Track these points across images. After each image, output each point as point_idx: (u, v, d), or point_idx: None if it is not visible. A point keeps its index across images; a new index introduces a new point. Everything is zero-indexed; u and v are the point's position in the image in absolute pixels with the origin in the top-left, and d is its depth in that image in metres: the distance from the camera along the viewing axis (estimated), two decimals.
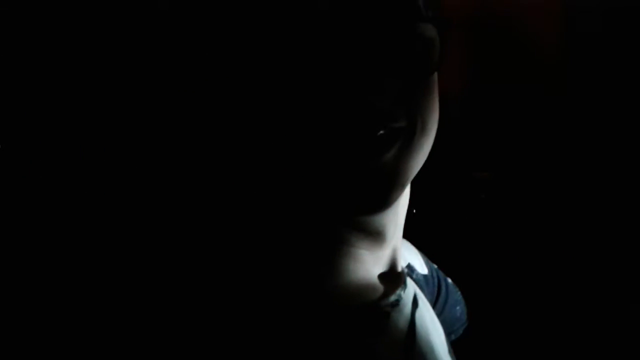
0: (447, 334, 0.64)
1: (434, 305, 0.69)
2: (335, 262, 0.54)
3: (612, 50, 1.38)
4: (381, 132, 0.48)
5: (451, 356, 0.61)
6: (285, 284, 0.51)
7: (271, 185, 0.54)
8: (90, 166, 0.76)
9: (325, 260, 0.54)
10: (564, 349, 1.30)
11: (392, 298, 0.54)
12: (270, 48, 0.48)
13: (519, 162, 1.47)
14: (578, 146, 1.42)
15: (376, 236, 0.55)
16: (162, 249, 0.66)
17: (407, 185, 0.54)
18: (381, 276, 0.57)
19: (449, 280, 0.79)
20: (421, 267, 0.73)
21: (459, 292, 0.80)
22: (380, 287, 0.55)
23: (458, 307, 0.78)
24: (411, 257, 0.72)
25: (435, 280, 0.75)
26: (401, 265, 0.62)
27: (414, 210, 0.65)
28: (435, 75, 0.53)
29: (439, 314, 0.68)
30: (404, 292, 0.56)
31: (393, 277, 0.58)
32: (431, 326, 0.58)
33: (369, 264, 0.56)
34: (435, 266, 0.77)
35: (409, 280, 0.59)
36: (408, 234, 0.66)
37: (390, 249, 0.59)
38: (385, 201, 0.50)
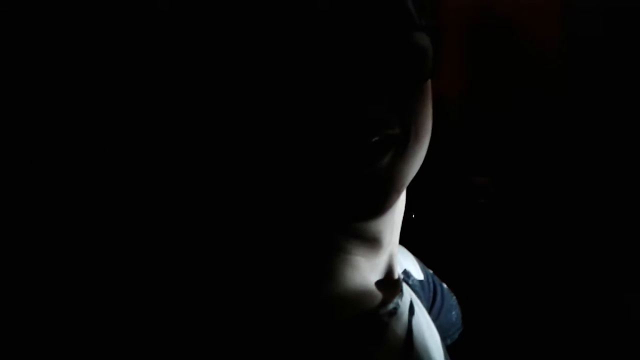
0: (443, 338, 0.65)
1: (430, 311, 0.70)
2: (331, 270, 0.54)
3: (612, 53, 1.38)
4: (376, 138, 0.48)
5: None
6: (282, 292, 0.52)
7: (267, 192, 0.54)
8: (90, 166, 0.76)
9: (322, 267, 0.54)
10: (558, 353, 1.30)
11: (390, 306, 0.54)
12: (267, 53, 0.48)
13: (518, 167, 1.47)
14: (578, 150, 1.42)
15: (372, 243, 0.56)
16: (157, 254, 0.66)
17: (402, 191, 0.55)
18: (378, 283, 0.57)
19: (444, 285, 0.79)
20: (417, 272, 0.73)
21: (454, 297, 0.80)
22: (378, 295, 0.56)
23: (453, 312, 0.79)
24: (407, 263, 0.72)
25: (431, 285, 0.75)
26: (398, 271, 0.62)
27: (413, 215, 0.65)
28: (429, 83, 0.53)
29: (435, 319, 0.68)
30: (401, 299, 0.56)
31: (390, 284, 0.58)
32: (428, 332, 0.58)
33: (365, 271, 0.56)
34: (431, 271, 0.77)
35: (405, 287, 0.59)
36: (406, 239, 0.66)
37: (387, 256, 0.59)
38: (381, 207, 0.51)
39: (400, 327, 0.54)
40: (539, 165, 1.45)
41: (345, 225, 0.54)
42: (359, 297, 0.54)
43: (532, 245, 1.40)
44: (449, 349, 0.66)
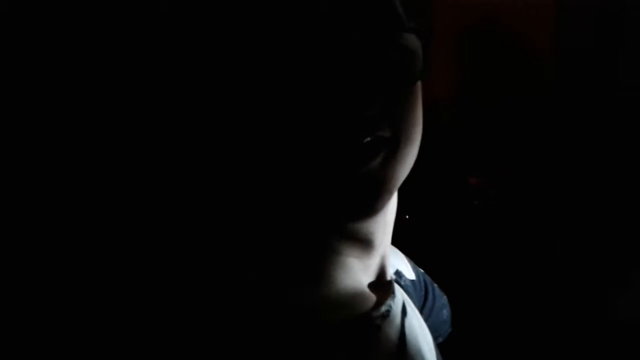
0: (435, 337, 0.65)
1: (421, 310, 0.70)
2: (324, 271, 0.54)
3: (603, 57, 1.39)
4: (367, 139, 0.49)
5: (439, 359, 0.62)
6: (275, 294, 0.52)
7: (259, 192, 0.54)
8: (90, 166, 0.76)
9: (314, 269, 0.54)
10: (549, 351, 1.31)
11: (383, 309, 0.54)
12: (261, 55, 0.48)
13: (512, 168, 1.48)
14: (571, 152, 1.43)
15: (365, 244, 0.56)
16: (154, 255, 0.67)
17: (394, 192, 0.55)
18: (370, 285, 0.57)
19: (435, 284, 0.79)
20: (409, 272, 0.73)
21: (445, 296, 0.81)
22: (370, 297, 0.56)
23: (444, 311, 0.79)
24: (398, 263, 0.72)
25: (423, 284, 0.75)
26: (390, 273, 0.62)
27: (407, 216, 0.66)
28: (419, 85, 0.54)
29: (427, 319, 0.68)
30: (394, 301, 0.56)
31: (382, 286, 0.58)
32: (420, 332, 0.59)
33: (357, 273, 0.56)
34: (422, 271, 0.78)
35: (397, 288, 0.60)
36: (401, 240, 0.67)
37: (379, 257, 0.59)
38: (373, 208, 0.51)
39: (393, 330, 0.54)
40: (533, 167, 1.46)
41: (338, 226, 0.54)
42: (351, 300, 0.54)
43: (523, 244, 1.40)
44: (440, 348, 0.66)
